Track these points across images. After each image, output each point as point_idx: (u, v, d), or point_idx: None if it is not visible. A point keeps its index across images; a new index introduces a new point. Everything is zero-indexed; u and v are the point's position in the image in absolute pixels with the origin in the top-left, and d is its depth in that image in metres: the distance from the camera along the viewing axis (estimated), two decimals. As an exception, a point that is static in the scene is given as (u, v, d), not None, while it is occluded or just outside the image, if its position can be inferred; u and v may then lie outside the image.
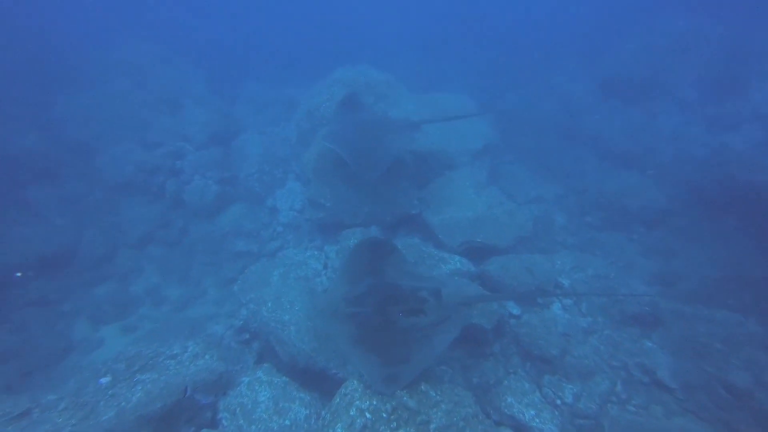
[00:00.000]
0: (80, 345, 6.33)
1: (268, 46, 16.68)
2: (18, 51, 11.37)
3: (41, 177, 8.39)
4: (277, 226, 7.71)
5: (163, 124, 9.27)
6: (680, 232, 6.50)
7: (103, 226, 7.91)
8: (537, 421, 4.00)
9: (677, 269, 5.56)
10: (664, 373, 4.34)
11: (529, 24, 17.13)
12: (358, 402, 3.39)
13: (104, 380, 4.37)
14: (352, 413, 3.32)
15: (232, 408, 4.27)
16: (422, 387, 3.49)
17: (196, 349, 4.76)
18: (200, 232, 7.85)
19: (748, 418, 3.85)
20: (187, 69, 11.46)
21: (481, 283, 5.50)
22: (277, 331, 4.81)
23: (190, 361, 4.61)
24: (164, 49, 11.72)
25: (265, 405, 4.27)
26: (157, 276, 7.50)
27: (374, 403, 3.34)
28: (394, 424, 3.20)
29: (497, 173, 8.21)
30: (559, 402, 4.28)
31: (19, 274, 6.82)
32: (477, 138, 8.14)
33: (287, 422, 4.15)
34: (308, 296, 5.32)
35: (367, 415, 3.27)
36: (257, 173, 8.44)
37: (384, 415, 3.25)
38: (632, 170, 8.24)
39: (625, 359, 4.56)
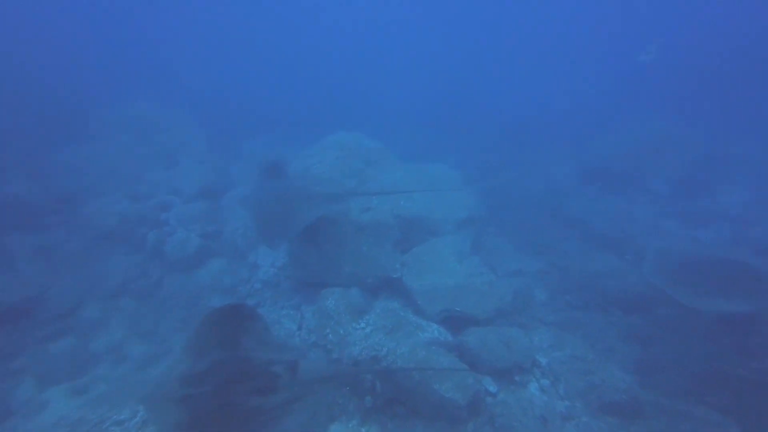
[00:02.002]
0: (21, 408, 5.75)
1: (275, 108, 17.82)
2: (22, 104, 11.94)
3: (24, 225, 8.34)
4: (256, 283, 7.56)
5: (156, 177, 9.52)
6: (659, 321, 6.44)
7: (76, 276, 7.69)
8: None
9: (656, 358, 5.42)
10: (643, 471, 4.03)
11: (523, 109, 18.60)
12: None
13: None
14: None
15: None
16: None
17: (146, 415, 4.38)
18: (176, 285, 7.64)
19: None
20: (190, 127, 12.03)
21: (459, 354, 5.32)
22: (237, 398, 4.47)
23: (138, 429, 4.23)
24: (169, 108, 12.41)
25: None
26: (122, 331, 7.10)
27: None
28: None
29: (480, 244, 8.33)
30: (534, 497, 3.91)
31: None
32: (462, 208, 8.37)
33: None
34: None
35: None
36: (242, 228, 8.47)
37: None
38: (612, 254, 8.41)
39: (603, 452, 4.26)
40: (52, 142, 10.41)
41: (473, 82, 20.60)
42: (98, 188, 9.14)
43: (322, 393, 3.65)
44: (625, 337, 5.91)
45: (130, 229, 8.20)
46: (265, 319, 4.35)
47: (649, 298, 6.79)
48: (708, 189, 10.10)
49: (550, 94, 19.93)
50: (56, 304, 7.20)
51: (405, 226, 7.59)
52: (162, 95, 13.34)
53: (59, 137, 10.65)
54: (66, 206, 8.90)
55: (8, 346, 6.49)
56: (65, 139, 10.55)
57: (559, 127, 15.60)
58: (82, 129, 10.98)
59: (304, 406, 3.36)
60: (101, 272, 7.77)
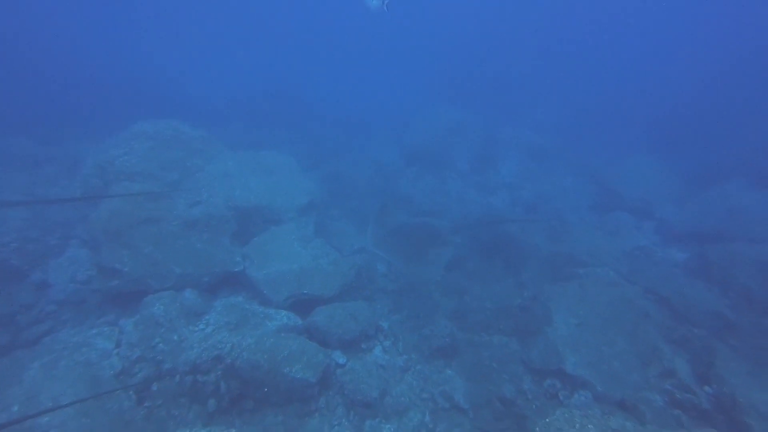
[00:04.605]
0: None
1: (43, 95, 14.02)
2: None
3: None
4: (47, 305, 5.93)
5: None
6: (469, 274, 7.91)
7: None
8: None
9: (467, 305, 6.65)
10: (459, 397, 4.97)
11: (355, 105, 19.48)
12: None
13: None
14: None
15: None
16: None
17: None
18: None
19: (513, 425, 4.66)
20: None
21: (308, 335, 5.42)
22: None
23: None
24: None
25: None
26: None
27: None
28: None
29: (323, 228, 8.53)
30: (378, 444, 4.34)
31: None
32: (302, 195, 8.36)
33: None
34: (89, 385, 4.24)
35: None
36: (16, 242, 6.46)
37: None
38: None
39: (432, 390, 5.06)
40: None
41: (304, 79, 20.68)
42: None
43: None
44: (446, 292, 7.02)
45: None
46: None
47: (462, 256, 8.24)
48: (493, 164, 12.80)
49: (377, 91, 21.71)
50: None
51: (243, 216, 7.17)
52: None
53: None
54: None
55: None
56: None
57: (384, 119, 17.15)
58: None
59: None
60: None
